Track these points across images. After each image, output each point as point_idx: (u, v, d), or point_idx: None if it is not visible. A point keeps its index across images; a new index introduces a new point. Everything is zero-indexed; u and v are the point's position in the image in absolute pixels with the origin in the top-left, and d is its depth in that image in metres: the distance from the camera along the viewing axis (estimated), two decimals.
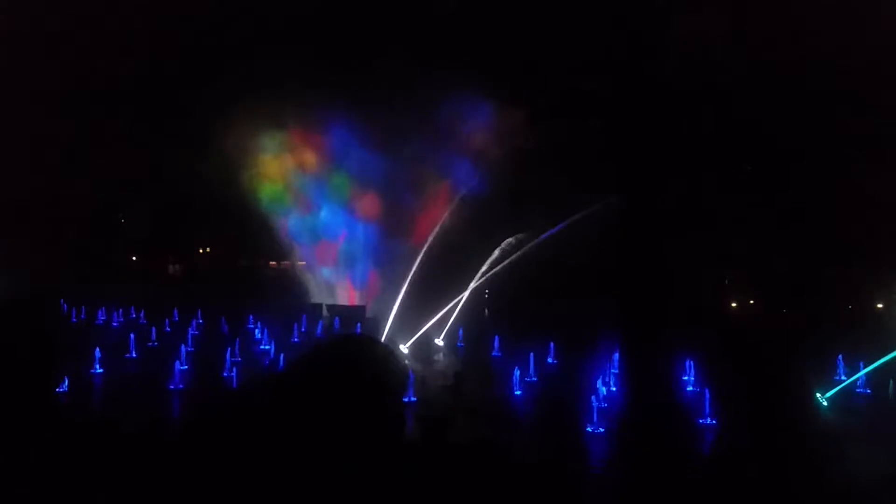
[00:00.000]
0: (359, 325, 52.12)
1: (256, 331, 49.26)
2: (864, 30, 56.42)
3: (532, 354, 37.49)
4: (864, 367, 34.11)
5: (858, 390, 33.79)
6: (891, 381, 33.42)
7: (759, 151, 63.73)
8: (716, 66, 60.23)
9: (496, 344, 44.78)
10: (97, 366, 36.58)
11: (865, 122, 57.63)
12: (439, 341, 48.84)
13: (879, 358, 33.78)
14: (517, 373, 34.21)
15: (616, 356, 38.51)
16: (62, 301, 60.26)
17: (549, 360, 41.38)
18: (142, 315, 56.01)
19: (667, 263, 60.51)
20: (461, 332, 50.21)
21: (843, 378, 34.63)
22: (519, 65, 61.50)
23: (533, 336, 43.29)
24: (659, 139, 61.86)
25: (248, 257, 73.00)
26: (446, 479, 20.46)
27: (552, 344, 42.17)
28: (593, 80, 60.72)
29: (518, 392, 33.63)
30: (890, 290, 61.51)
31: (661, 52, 61.17)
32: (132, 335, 42.44)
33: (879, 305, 64.14)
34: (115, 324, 55.12)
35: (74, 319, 56.73)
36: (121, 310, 56.90)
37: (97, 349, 37.13)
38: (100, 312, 57.01)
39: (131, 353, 41.05)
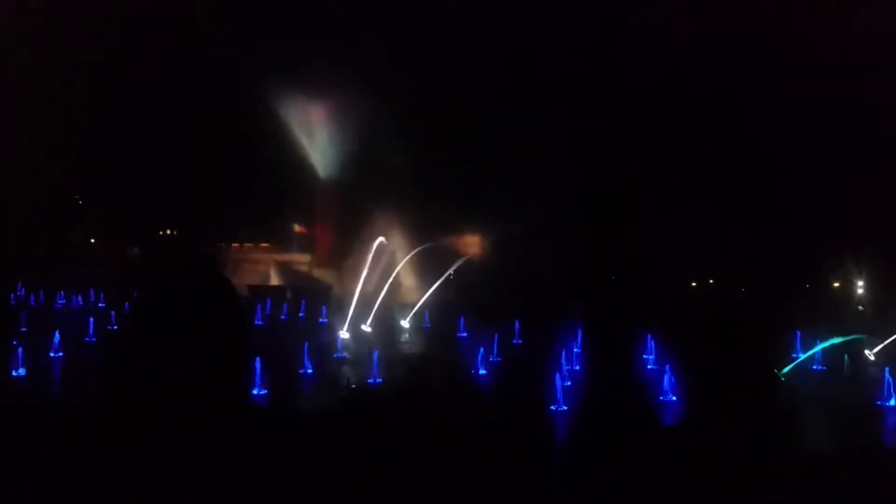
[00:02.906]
0: (324, 307, 51.90)
1: None
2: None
3: (496, 335, 37.69)
4: (820, 344, 34.95)
5: (815, 367, 34.62)
6: (845, 357, 34.30)
7: (720, 134, 64.59)
8: (678, 51, 60.91)
9: (461, 325, 44.95)
10: (57, 350, 35.97)
11: (825, 109, 58.62)
12: (405, 322, 48.88)
13: (834, 335, 34.68)
14: (482, 353, 34.37)
15: (579, 336, 38.91)
16: (20, 284, 58.96)
17: (514, 340, 41.63)
18: (101, 299, 55.20)
19: (628, 244, 61.42)
20: (427, 313, 50.35)
21: (799, 354, 35.40)
22: (489, 52, 61.82)
23: (498, 317, 43.52)
24: (622, 123, 62.59)
25: (209, 239, 72.04)
26: (413, 455, 20.59)
27: (517, 324, 42.43)
28: (560, 66, 61.12)
29: (483, 371, 33.82)
30: (846, 270, 62.82)
31: (627, 38, 61.82)
32: (91, 319, 41.78)
33: (836, 284, 65.52)
34: (73, 307, 54.26)
35: (33, 303, 55.62)
36: (80, 294, 55.99)
37: (56, 333, 36.47)
38: (59, 296, 56.06)
39: (91, 338, 40.44)
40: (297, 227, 71.45)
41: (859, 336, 36.13)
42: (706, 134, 65.06)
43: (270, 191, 64.38)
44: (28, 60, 64.54)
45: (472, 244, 66.31)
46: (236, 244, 72.12)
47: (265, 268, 70.06)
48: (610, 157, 63.48)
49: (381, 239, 55.07)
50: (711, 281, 68.66)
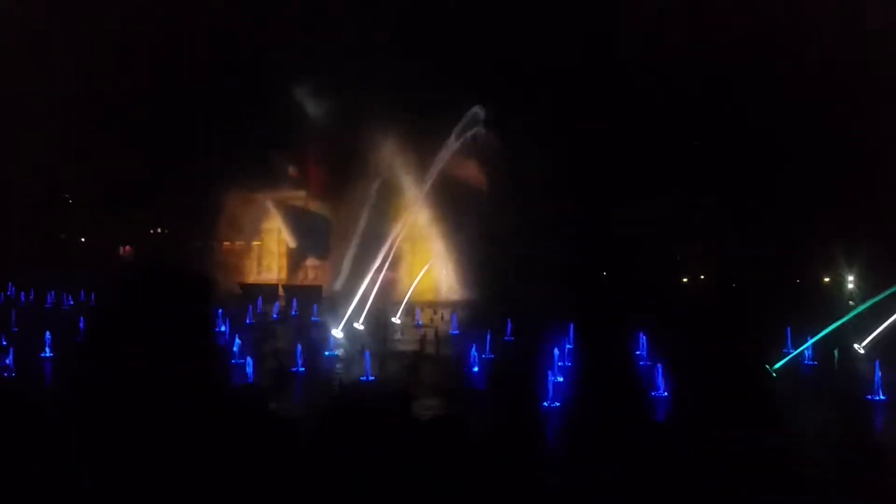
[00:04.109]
0: (315, 306, 51.83)
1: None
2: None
3: (489, 332, 37.68)
4: (811, 339, 35.01)
5: (806, 362, 34.73)
6: (835, 352, 34.41)
7: (711, 128, 64.76)
8: (669, 42, 61.01)
9: (454, 322, 44.95)
10: (47, 349, 35.84)
11: (820, 102, 58.86)
12: (396, 320, 48.86)
13: (825, 330, 34.72)
14: (475, 350, 34.37)
15: (571, 332, 38.93)
16: (10, 284, 58.76)
17: (507, 337, 41.62)
18: (92, 298, 54.96)
19: (620, 240, 61.55)
20: (418, 311, 50.34)
21: (790, 350, 35.49)
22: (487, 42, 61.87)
23: (490, 313, 43.50)
24: (614, 113, 62.64)
25: (201, 238, 71.89)
26: (409, 452, 20.54)
27: (509, 321, 42.42)
28: (557, 55, 61.09)
29: (476, 369, 33.82)
30: (836, 265, 63.11)
31: (619, 30, 61.89)
32: (82, 318, 41.57)
33: (826, 279, 65.84)
34: (64, 306, 54.07)
35: (23, 302, 55.44)
36: (70, 293, 55.79)
37: (47, 332, 36.33)
38: (49, 295, 55.84)
39: (81, 337, 40.19)
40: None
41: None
42: (697, 128, 65.21)
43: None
44: (18, 57, 64.29)
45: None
46: (227, 242, 72.01)
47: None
48: (603, 152, 63.54)
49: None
50: (703, 276, 68.92)
